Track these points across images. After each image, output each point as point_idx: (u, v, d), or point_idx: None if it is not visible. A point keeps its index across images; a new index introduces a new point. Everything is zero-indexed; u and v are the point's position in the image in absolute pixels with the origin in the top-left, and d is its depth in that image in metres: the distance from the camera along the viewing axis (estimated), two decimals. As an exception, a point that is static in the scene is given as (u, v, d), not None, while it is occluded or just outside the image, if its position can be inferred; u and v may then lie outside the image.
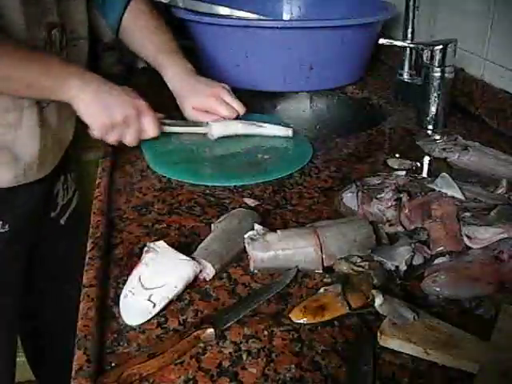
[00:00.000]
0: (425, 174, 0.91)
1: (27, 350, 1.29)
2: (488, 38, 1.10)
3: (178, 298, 0.63)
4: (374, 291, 0.60)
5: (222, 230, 0.71)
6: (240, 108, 1.03)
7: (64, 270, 1.14)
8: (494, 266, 0.64)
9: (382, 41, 1.13)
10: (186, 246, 0.70)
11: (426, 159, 0.97)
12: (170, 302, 0.62)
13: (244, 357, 0.55)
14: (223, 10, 1.36)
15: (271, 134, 1.03)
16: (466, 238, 0.68)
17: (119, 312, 0.61)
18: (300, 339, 0.57)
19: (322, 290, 0.62)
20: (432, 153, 0.97)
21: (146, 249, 0.65)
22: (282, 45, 1.22)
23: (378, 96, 1.30)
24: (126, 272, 0.66)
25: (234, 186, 0.87)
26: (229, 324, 0.59)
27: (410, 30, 1.22)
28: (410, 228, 0.72)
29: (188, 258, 0.64)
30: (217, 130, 1.01)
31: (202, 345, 0.56)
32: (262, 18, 1.37)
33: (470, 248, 0.68)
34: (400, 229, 0.73)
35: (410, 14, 1.21)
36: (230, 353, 0.56)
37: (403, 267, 0.65)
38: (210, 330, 0.57)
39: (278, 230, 0.69)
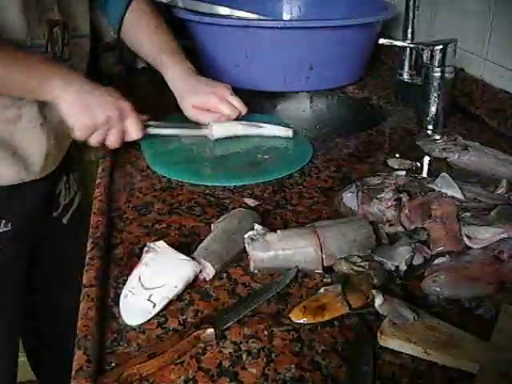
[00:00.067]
0: (425, 174, 0.91)
1: (28, 349, 1.29)
2: (488, 38, 1.10)
3: (178, 297, 0.63)
4: (373, 291, 0.60)
5: (222, 230, 0.71)
6: (242, 107, 1.03)
7: (66, 269, 1.14)
8: (494, 266, 0.64)
9: (381, 41, 1.13)
10: (186, 246, 0.70)
11: (426, 159, 0.97)
12: (170, 302, 0.62)
13: (244, 357, 0.55)
14: (223, 10, 1.36)
15: (271, 135, 1.03)
16: (465, 238, 0.68)
17: (119, 312, 0.61)
18: (300, 339, 0.57)
19: (322, 290, 0.62)
20: (432, 153, 0.97)
21: (146, 249, 0.65)
22: (282, 45, 1.22)
23: (377, 96, 1.30)
24: (126, 272, 0.66)
25: (234, 186, 0.87)
26: (229, 324, 0.59)
27: (410, 30, 1.22)
28: (410, 228, 0.72)
29: (188, 258, 0.64)
30: (217, 131, 1.01)
31: (201, 345, 0.56)
32: (261, 18, 1.37)
33: (470, 248, 0.68)
34: (400, 229, 0.73)
35: (410, 14, 1.21)
36: (229, 353, 0.56)
37: (403, 267, 0.65)
38: (210, 330, 0.57)
39: (278, 230, 0.69)
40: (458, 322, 0.58)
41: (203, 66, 1.25)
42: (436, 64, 1.04)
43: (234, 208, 0.79)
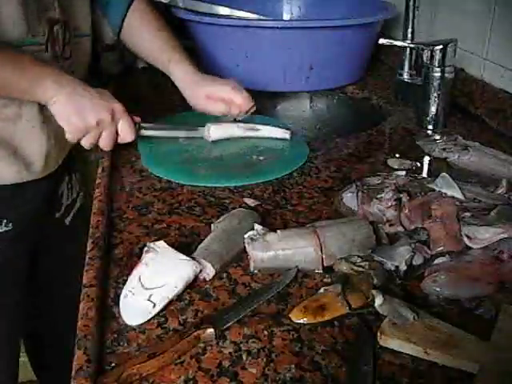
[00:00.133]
0: (425, 174, 0.91)
1: (28, 349, 1.29)
2: (488, 38, 1.10)
3: (178, 297, 0.63)
4: (373, 291, 0.60)
5: (222, 230, 0.72)
6: (252, 101, 1.03)
7: (67, 269, 1.13)
8: (494, 266, 0.64)
9: (381, 41, 1.13)
10: (186, 246, 0.70)
11: (426, 159, 0.97)
12: (170, 302, 0.62)
13: (244, 357, 0.55)
14: (223, 10, 1.36)
15: (269, 137, 1.03)
16: (465, 238, 0.68)
17: (119, 312, 0.61)
18: (300, 339, 0.57)
19: (322, 290, 0.62)
20: (432, 153, 0.97)
21: (146, 249, 0.65)
22: (282, 45, 1.22)
23: (377, 96, 1.30)
24: (126, 272, 0.66)
25: (234, 186, 0.87)
26: (229, 324, 0.59)
27: (410, 30, 1.22)
28: (410, 228, 0.72)
29: (188, 258, 0.64)
30: (214, 132, 1.01)
31: (201, 345, 0.56)
32: (262, 18, 1.37)
33: (470, 248, 0.68)
34: (400, 229, 0.73)
35: (410, 14, 1.21)
36: (229, 353, 0.56)
37: (403, 267, 0.65)
38: (210, 330, 0.57)
39: (278, 230, 0.69)
40: (458, 322, 0.58)
41: (203, 65, 1.25)
42: (436, 64, 1.04)
43: (234, 208, 0.79)
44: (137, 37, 1.10)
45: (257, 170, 0.92)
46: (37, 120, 0.91)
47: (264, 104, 1.32)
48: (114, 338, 0.58)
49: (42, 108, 0.90)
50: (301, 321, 0.59)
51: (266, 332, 0.58)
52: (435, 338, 0.55)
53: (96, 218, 0.77)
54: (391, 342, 0.55)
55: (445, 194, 0.75)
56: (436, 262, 0.66)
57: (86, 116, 0.85)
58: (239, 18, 1.35)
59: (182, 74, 1.05)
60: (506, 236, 0.66)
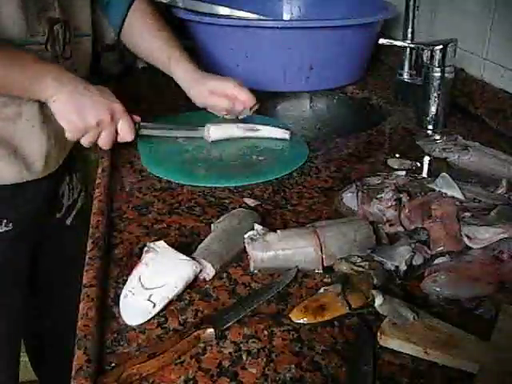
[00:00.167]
0: (425, 174, 0.91)
1: (29, 349, 1.29)
2: (488, 38, 1.10)
3: (178, 297, 0.63)
4: (373, 291, 0.60)
5: (222, 230, 0.72)
6: (254, 99, 1.03)
7: (68, 270, 1.13)
8: (494, 266, 0.64)
9: (381, 41, 1.13)
10: (186, 246, 0.70)
11: (426, 159, 0.97)
12: (170, 302, 0.62)
13: (244, 357, 0.55)
14: (223, 10, 1.36)
15: (268, 137, 1.03)
16: (465, 238, 0.68)
17: (119, 312, 0.61)
18: (300, 339, 0.57)
19: (322, 290, 0.62)
20: (432, 153, 0.97)
21: (146, 249, 0.65)
22: (282, 45, 1.22)
23: (377, 96, 1.30)
24: (126, 272, 0.66)
25: (234, 186, 0.87)
26: (229, 324, 0.59)
27: (410, 30, 1.22)
28: (410, 228, 0.72)
29: (188, 258, 0.64)
30: (214, 133, 1.01)
31: (201, 345, 0.56)
32: (262, 18, 1.37)
33: (470, 248, 0.68)
34: (400, 229, 0.73)
35: (410, 14, 1.21)
36: (229, 353, 0.56)
37: (403, 267, 0.65)
38: (210, 330, 0.57)
39: (278, 230, 0.69)
40: (458, 322, 0.58)
41: (203, 66, 1.25)
42: (436, 64, 1.04)
43: (234, 208, 0.79)
44: (137, 37, 1.10)
45: (257, 170, 0.92)
46: (37, 119, 0.91)
47: (264, 104, 1.32)
48: (113, 338, 0.58)
49: (42, 107, 0.90)
50: (301, 321, 0.59)
51: (265, 332, 0.58)
52: (435, 337, 0.55)
53: (96, 218, 0.77)
54: (391, 342, 0.55)
55: (445, 194, 0.75)
56: (436, 261, 0.66)
57: (86, 115, 0.85)
58: (239, 18, 1.35)
59: (183, 73, 1.05)
60: (506, 236, 0.66)
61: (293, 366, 0.54)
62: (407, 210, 0.73)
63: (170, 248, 0.65)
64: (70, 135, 0.86)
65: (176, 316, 0.61)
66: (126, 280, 0.63)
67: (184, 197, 0.85)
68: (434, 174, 0.86)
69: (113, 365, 0.54)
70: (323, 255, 0.67)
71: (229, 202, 0.83)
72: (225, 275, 0.67)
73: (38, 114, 0.90)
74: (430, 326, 0.57)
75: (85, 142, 0.88)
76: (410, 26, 1.21)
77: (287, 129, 1.04)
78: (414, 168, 0.92)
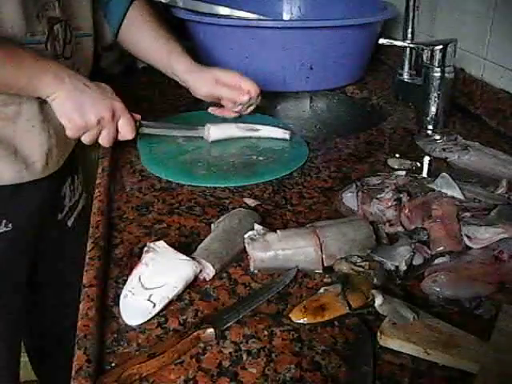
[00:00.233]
0: (425, 174, 0.91)
1: (29, 349, 1.29)
2: (488, 38, 1.10)
3: (178, 297, 0.63)
4: (373, 291, 0.60)
5: (222, 230, 0.72)
6: (258, 88, 1.04)
7: (69, 270, 1.13)
8: (494, 266, 0.64)
9: (381, 41, 1.13)
10: (186, 246, 0.70)
11: (426, 159, 0.97)
12: (170, 302, 0.62)
13: (244, 357, 0.55)
14: (223, 10, 1.36)
15: (268, 137, 1.03)
16: (466, 238, 0.68)
17: (119, 312, 0.61)
18: (300, 339, 0.57)
19: (321, 290, 0.62)
20: (432, 153, 0.97)
21: (146, 249, 0.65)
22: (282, 45, 1.22)
23: (377, 96, 1.30)
24: (126, 272, 0.66)
25: (234, 186, 0.87)
26: (229, 324, 0.59)
27: (409, 30, 1.22)
28: (410, 228, 0.72)
29: (188, 258, 0.64)
30: (214, 133, 1.01)
31: (202, 345, 0.56)
32: (261, 18, 1.37)
33: (470, 248, 0.68)
34: (400, 229, 0.73)
35: (410, 14, 1.21)
36: (230, 353, 0.56)
37: (403, 267, 0.65)
38: (210, 330, 0.57)
39: (278, 230, 0.69)
40: (458, 322, 0.58)
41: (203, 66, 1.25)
42: (436, 64, 1.04)
43: (234, 208, 0.79)
44: (137, 36, 1.09)
45: (257, 170, 0.92)
46: (37, 119, 0.90)
47: (264, 104, 1.32)
48: (114, 338, 0.58)
49: (42, 107, 0.90)
50: (301, 321, 0.59)
51: (265, 332, 0.58)
52: (435, 337, 0.55)
53: (96, 218, 0.77)
54: (391, 342, 0.55)
55: (445, 194, 0.75)
56: (436, 262, 0.66)
57: (87, 113, 0.85)
58: (239, 18, 1.35)
59: (184, 67, 1.05)
60: (506, 236, 0.66)
61: (293, 365, 0.54)
62: (407, 210, 0.73)
63: (170, 248, 0.65)
64: (70, 133, 0.86)
65: (176, 316, 0.61)
66: (126, 280, 0.63)
67: (184, 197, 0.85)
68: (433, 174, 0.86)
69: (113, 365, 0.54)
70: (323, 255, 0.67)
71: (229, 202, 0.83)
72: (225, 275, 0.67)
73: (38, 114, 0.90)
74: (430, 326, 0.57)
75: (86, 139, 0.88)
76: (410, 26, 1.21)
77: (287, 129, 1.04)
78: (414, 168, 0.92)
